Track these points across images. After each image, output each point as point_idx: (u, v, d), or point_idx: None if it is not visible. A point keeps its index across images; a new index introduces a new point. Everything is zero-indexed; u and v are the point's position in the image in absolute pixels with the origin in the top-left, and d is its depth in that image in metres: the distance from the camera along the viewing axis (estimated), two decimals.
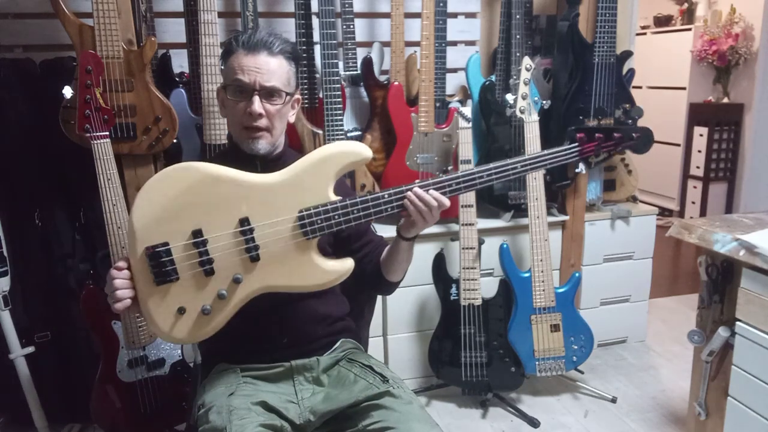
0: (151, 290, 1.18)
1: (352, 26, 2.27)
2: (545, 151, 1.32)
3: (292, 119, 1.37)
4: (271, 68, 1.27)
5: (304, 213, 1.20)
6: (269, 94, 1.28)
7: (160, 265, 1.16)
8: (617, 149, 1.37)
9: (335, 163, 1.22)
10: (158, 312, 1.18)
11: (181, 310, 1.18)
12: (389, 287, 1.45)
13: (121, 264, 1.20)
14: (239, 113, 1.28)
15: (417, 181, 1.26)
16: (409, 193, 1.24)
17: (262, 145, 1.30)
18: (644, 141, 1.37)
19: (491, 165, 1.28)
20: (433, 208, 1.25)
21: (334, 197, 1.22)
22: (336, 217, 1.21)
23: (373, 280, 1.43)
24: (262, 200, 1.20)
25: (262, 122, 1.28)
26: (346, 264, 1.25)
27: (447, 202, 1.26)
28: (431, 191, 1.24)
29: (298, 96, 1.38)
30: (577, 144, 1.34)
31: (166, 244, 1.17)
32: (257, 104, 1.26)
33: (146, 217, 1.17)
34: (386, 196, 1.23)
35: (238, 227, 1.19)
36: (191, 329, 1.20)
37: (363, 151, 1.23)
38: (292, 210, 1.20)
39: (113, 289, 1.18)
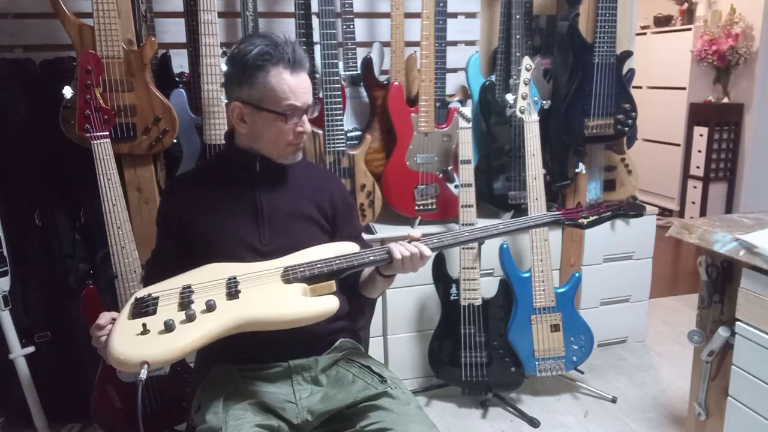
0: (123, 324, 1.15)
1: (352, 26, 2.27)
2: (530, 217, 1.41)
3: None
4: (309, 86, 1.31)
5: (289, 268, 1.24)
6: (308, 111, 1.33)
7: (142, 304, 1.18)
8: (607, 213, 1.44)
9: (326, 255, 1.29)
10: (120, 336, 1.11)
11: (144, 329, 1.11)
12: (368, 301, 1.49)
13: (102, 322, 1.20)
14: (287, 132, 1.31)
15: (401, 242, 1.32)
16: (394, 243, 1.31)
17: (300, 153, 1.38)
18: (632, 211, 1.44)
19: (475, 228, 1.37)
20: (414, 255, 1.29)
21: None
22: (318, 265, 1.25)
23: (352, 290, 1.47)
24: (253, 266, 1.27)
25: (305, 136, 1.35)
26: (329, 301, 1.20)
27: (428, 252, 1.30)
28: (414, 241, 1.31)
29: None
30: (560, 213, 1.41)
31: (157, 297, 1.20)
32: (308, 124, 1.32)
33: (147, 288, 1.25)
34: (368, 251, 1.30)
35: (224, 281, 1.23)
36: (148, 344, 1.09)
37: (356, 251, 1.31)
38: (279, 269, 1.25)
39: (99, 345, 1.20)
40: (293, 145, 1.34)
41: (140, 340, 1.10)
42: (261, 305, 1.17)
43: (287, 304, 1.19)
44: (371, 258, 1.28)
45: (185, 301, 1.17)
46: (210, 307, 1.14)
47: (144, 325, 1.11)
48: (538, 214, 1.41)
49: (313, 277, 1.23)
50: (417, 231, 1.34)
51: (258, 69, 1.25)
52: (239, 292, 1.19)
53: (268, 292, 1.20)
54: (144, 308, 1.17)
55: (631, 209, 1.41)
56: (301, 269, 1.23)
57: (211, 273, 1.26)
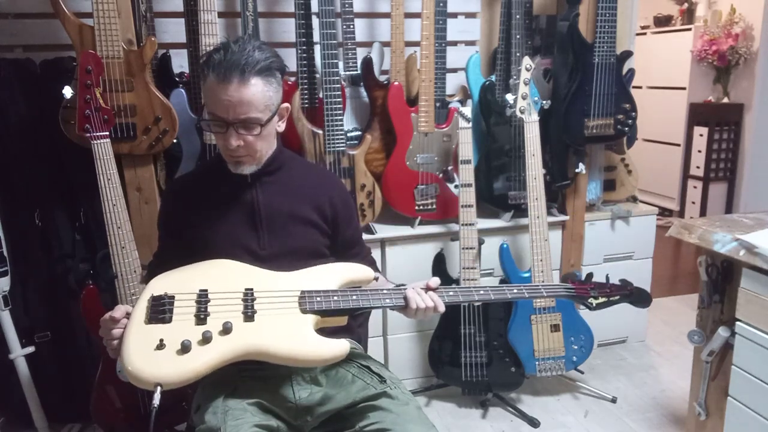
0: (138, 328, 1.16)
1: (352, 26, 2.27)
2: (543, 286, 1.42)
3: (281, 128, 1.36)
4: (244, 98, 1.21)
5: (306, 293, 1.25)
6: (245, 125, 1.25)
7: (158, 305, 1.19)
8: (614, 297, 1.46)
9: (340, 276, 1.31)
10: (137, 345, 1.13)
11: (161, 344, 1.12)
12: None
13: (117, 315, 1.20)
14: (220, 142, 1.28)
15: (418, 290, 1.30)
16: (411, 290, 1.29)
17: (246, 168, 1.32)
18: (639, 299, 1.46)
19: (489, 287, 1.37)
20: (428, 309, 1.28)
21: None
22: (335, 298, 1.25)
23: None
24: (269, 280, 1.28)
25: (241, 151, 1.28)
26: (340, 346, 1.21)
27: (442, 309, 1.29)
28: (430, 293, 1.30)
29: (285, 105, 1.34)
30: (573, 288, 1.43)
31: (173, 297, 1.21)
32: (233, 139, 1.25)
33: (163, 280, 1.27)
34: (386, 291, 1.31)
35: (241, 294, 1.23)
36: (163, 364, 1.10)
37: (369, 275, 1.34)
38: (296, 291, 1.25)
39: (109, 338, 1.20)
40: (230, 156, 1.29)
41: (156, 358, 1.11)
42: (275, 338, 1.18)
43: (301, 343, 1.20)
44: (387, 302, 1.28)
45: (202, 315, 1.18)
46: (227, 329, 1.16)
47: (161, 340, 1.12)
48: (552, 284, 1.50)
49: (329, 311, 1.24)
50: (435, 279, 1.32)
51: (203, 73, 1.25)
52: (255, 313, 1.20)
53: (284, 323, 1.21)
54: (161, 312, 1.17)
55: (639, 297, 1.45)
56: (318, 299, 1.24)
57: (226, 276, 1.27)
